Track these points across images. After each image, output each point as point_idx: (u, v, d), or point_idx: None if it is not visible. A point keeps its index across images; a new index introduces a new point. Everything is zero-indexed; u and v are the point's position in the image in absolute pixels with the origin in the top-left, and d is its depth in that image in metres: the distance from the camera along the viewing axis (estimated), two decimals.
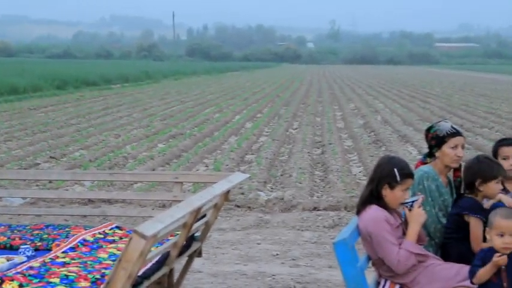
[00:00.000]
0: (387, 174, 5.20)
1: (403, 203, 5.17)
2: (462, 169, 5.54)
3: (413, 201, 5.18)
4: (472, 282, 4.82)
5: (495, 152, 6.03)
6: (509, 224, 4.72)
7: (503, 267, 4.70)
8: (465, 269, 5.00)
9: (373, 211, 5.16)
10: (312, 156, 17.73)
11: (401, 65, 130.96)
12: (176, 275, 6.56)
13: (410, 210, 5.16)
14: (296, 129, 24.33)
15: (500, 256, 4.66)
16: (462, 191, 5.55)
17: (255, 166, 15.85)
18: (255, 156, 17.59)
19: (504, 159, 5.92)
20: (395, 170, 5.18)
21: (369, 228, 5.11)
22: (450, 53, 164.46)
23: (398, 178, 5.15)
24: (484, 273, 4.72)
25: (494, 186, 5.19)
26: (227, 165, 15.85)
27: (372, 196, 5.24)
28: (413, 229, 5.12)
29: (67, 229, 6.59)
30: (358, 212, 5.28)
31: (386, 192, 5.20)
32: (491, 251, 4.75)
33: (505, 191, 5.62)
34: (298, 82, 59.01)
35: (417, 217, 5.12)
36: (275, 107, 33.59)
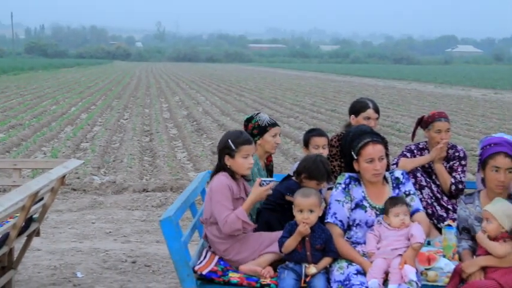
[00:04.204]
0: (224, 146, 5.20)
1: (262, 181, 5.14)
2: (302, 158, 5.57)
3: (269, 181, 5.18)
4: (281, 251, 4.93)
5: (306, 142, 6.16)
6: (306, 202, 4.88)
7: (307, 238, 4.85)
8: (268, 235, 5.13)
9: (221, 177, 5.15)
10: (141, 144, 17.61)
11: (219, 63, 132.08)
12: (16, 254, 6.36)
13: (261, 186, 5.16)
14: (127, 119, 24.07)
15: (304, 225, 4.81)
16: (291, 173, 5.63)
17: (89, 153, 15.58)
18: (89, 144, 17.27)
19: (315, 148, 6.06)
20: (229, 140, 5.17)
21: (212, 189, 5.12)
22: (261, 52, 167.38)
23: (233, 147, 5.15)
24: (291, 242, 4.84)
25: (313, 185, 5.28)
26: (64, 152, 15.48)
27: (220, 167, 5.23)
28: (251, 200, 5.10)
29: None
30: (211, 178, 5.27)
31: (229, 162, 5.17)
32: (297, 225, 4.88)
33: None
34: (128, 78, 58.35)
35: (259, 193, 5.09)
36: (108, 99, 33.08)
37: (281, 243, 4.89)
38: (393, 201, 5.00)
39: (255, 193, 5.10)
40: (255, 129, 5.93)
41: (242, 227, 5.04)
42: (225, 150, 5.20)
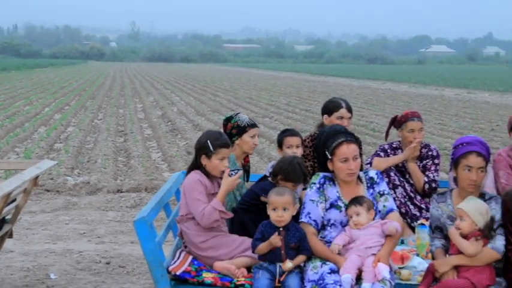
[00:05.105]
0: (202, 146, 5.26)
1: (230, 171, 5.20)
2: (279, 160, 5.58)
3: (237, 171, 5.25)
4: (253, 252, 4.94)
5: (280, 142, 6.19)
6: (279, 200, 4.89)
7: (281, 237, 4.84)
8: (247, 241, 5.13)
9: (193, 174, 5.23)
10: (116, 144, 17.53)
11: (194, 63, 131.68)
12: None
13: (230, 176, 5.20)
14: (101, 119, 23.96)
15: (276, 237, 4.79)
16: (267, 174, 5.64)
17: (63, 153, 15.48)
18: (63, 145, 17.17)
19: (288, 147, 6.10)
20: (209, 141, 5.22)
21: (185, 187, 5.19)
22: (236, 52, 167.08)
23: (211, 148, 5.20)
24: (263, 247, 4.85)
25: (289, 187, 5.29)
26: (37, 153, 15.36)
27: (195, 165, 5.29)
28: (223, 191, 5.17)
29: None
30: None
31: (205, 162, 5.24)
32: (269, 225, 4.90)
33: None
34: (102, 78, 58.04)
35: (230, 183, 5.16)
36: (82, 100, 32.90)
37: (254, 245, 4.90)
38: (349, 203, 5.03)
39: (226, 184, 5.18)
40: (234, 129, 5.96)
41: (220, 217, 5.09)
42: (202, 149, 5.26)
